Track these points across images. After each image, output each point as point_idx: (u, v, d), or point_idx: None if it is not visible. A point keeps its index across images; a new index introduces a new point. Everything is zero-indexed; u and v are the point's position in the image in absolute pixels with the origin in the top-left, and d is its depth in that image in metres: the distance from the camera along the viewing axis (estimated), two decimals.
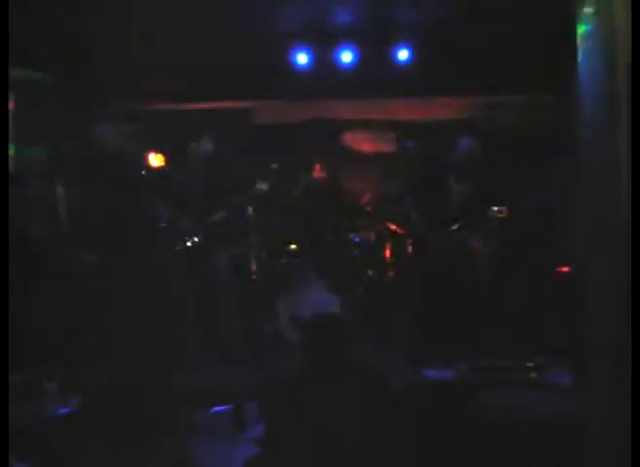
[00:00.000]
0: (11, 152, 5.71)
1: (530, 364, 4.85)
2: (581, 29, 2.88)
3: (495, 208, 5.76)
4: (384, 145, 7.91)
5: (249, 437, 4.22)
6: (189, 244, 6.03)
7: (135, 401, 4.40)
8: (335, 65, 6.91)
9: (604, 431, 2.77)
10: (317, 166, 7.16)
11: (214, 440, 4.35)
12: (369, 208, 6.90)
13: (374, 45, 6.75)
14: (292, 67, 6.89)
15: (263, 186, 6.58)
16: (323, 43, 6.70)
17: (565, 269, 5.79)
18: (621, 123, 2.56)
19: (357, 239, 6.57)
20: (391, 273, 6.33)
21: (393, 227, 6.50)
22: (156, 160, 6.76)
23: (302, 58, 6.86)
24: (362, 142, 7.94)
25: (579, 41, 2.89)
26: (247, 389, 4.69)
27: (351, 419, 3.38)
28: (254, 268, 6.26)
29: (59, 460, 3.86)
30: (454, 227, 5.96)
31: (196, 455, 4.15)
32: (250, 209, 6.40)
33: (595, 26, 2.75)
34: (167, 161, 6.73)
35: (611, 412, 2.69)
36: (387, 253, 6.37)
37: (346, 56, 6.85)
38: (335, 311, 5.75)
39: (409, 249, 6.25)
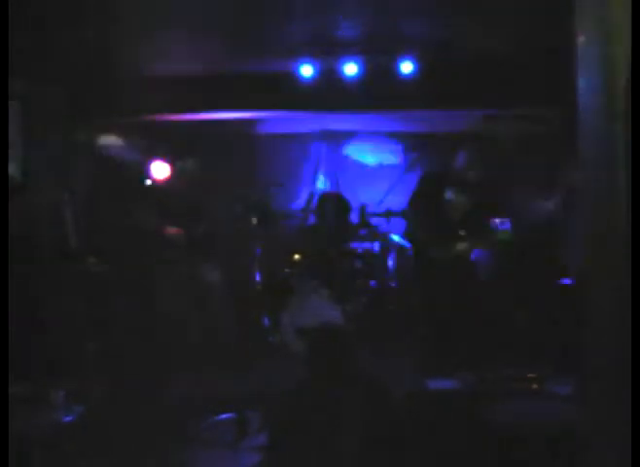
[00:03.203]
0: (16, 161, 5.75)
1: (533, 374, 4.85)
2: (580, 43, 2.91)
3: (497, 219, 5.78)
4: (388, 157, 7.94)
5: (251, 446, 4.24)
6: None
7: (138, 410, 4.42)
8: (339, 77, 6.94)
9: (606, 441, 2.78)
10: (321, 178, 7.20)
11: (216, 449, 4.36)
12: (372, 219, 6.92)
13: (379, 57, 6.78)
14: (296, 79, 6.92)
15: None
16: (328, 55, 6.73)
17: (567, 280, 5.80)
18: (620, 135, 2.58)
19: (360, 250, 6.59)
20: (394, 284, 6.35)
21: (396, 238, 6.52)
22: (159, 170, 6.80)
23: (307, 70, 6.89)
24: (365, 154, 7.97)
25: (578, 54, 2.92)
26: (250, 398, 4.71)
27: (353, 429, 3.38)
28: (257, 277, 6.29)
29: None
30: (456, 238, 5.98)
31: (198, 464, 4.17)
32: (254, 220, 6.43)
33: (595, 39, 2.78)
34: (171, 171, 6.77)
35: (612, 422, 2.70)
36: (390, 264, 6.39)
37: (351, 68, 6.87)
38: (337, 321, 5.77)
39: (412, 260, 6.28)
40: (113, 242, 6.01)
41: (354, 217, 6.98)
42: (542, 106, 6.67)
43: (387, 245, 6.51)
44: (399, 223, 6.55)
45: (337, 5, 5.55)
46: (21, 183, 5.62)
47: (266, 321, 6.28)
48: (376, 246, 6.61)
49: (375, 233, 6.72)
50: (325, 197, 7.03)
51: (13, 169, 5.50)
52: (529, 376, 4.85)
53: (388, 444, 3.42)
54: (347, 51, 6.63)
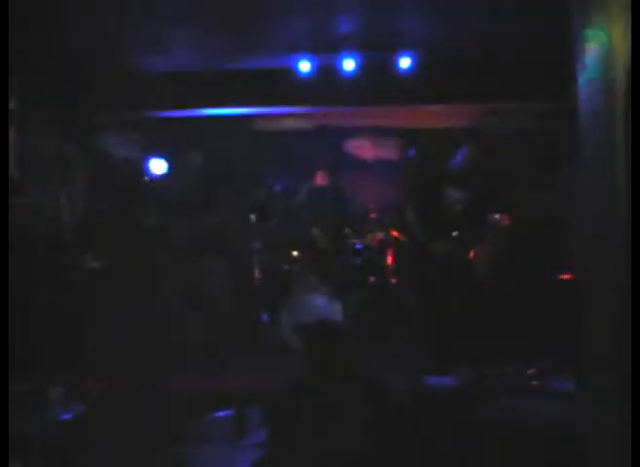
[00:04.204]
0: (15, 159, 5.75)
1: (532, 371, 4.86)
2: (581, 38, 2.91)
3: (496, 215, 5.78)
4: (386, 152, 7.93)
5: (250, 443, 4.23)
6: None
7: (137, 407, 4.42)
8: (337, 73, 6.93)
9: (605, 438, 2.78)
10: (319, 174, 7.18)
11: (215, 446, 4.35)
12: (371, 215, 6.92)
13: (377, 53, 6.76)
14: (294, 75, 6.91)
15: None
16: (326, 50, 6.71)
17: (567, 275, 5.80)
18: (620, 130, 2.58)
19: (359, 246, 6.59)
20: (393, 280, 6.34)
21: (395, 234, 6.52)
22: (158, 167, 6.80)
23: (305, 66, 6.88)
24: (364, 149, 7.96)
25: (579, 49, 2.92)
26: (249, 395, 4.70)
27: (352, 425, 3.38)
28: (256, 274, 6.29)
29: (62, 465, 3.88)
30: (455, 234, 5.98)
31: (197, 461, 4.16)
32: (253, 216, 6.43)
33: (595, 35, 2.78)
34: (170, 168, 6.76)
35: (612, 418, 2.70)
36: (389, 260, 6.39)
37: (349, 64, 6.86)
38: (336, 318, 5.77)
39: (411, 256, 6.28)
40: (112, 239, 6.00)
41: (353, 213, 6.97)
42: (541, 102, 6.66)
43: (386, 241, 6.50)
44: (397, 219, 6.53)
45: (334, 1, 5.55)
46: (20, 181, 5.61)
47: (266, 318, 6.28)
48: (375, 242, 6.61)
49: (374, 229, 6.71)
50: (324, 192, 7.02)
51: (11, 168, 5.50)
52: (529, 372, 4.86)
53: (387, 440, 3.42)
54: (345, 46, 6.62)
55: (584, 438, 2.98)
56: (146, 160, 6.71)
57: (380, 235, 6.59)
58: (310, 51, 6.74)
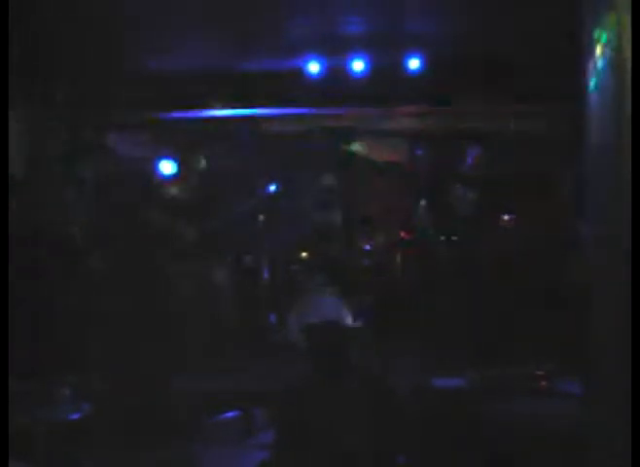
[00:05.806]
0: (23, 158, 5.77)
1: (539, 372, 4.84)
2: (588, 39, 2.91)
3: (505, 217, 5.77)
4: (395, 153, 7.91)
5: (256, 443, 4.23)
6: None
7: (143, 407, 4.43)
8: (346, 74, 6.93)
9: (610, 439, 2.77)
10: (328, 175, 7.19)
11: (222, 445, 4.36)
12: (380, 216, 6.91)
13: (386, 54, 6.76)
14: (304, 76, 6.91)
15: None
16: (335, 52, 6.72)
17: (572, 277, 5.78)
18: (626, 132, 2.58)
19: (367, 247, 6.59)
20: (400, 281, 6.34)
21: (403, 235, 6.51)
22: (167, 167, 6.82)
23: (314, 67, 6.88)
24: (373, 150, 7.94)
25: (588, 53, 2.92)
26: (255, 396, 4.71)
27: (358, 426, 3.38)
28: (264, 274, 6.31)
29: (69, 464, 3.90)
30: (464, 234, 5.98)
31: (204, 461, 4.17)
32: (261, 216, 6.45)
33: (604, 39, 2.78)
34: (179, 168, 6.78)
35: (617, 419, 2.69)
36: (397, 261, 6.38)
37: (358, 65, 6.87)
38: (343, 319, 5.76)
39: (419, 257, 6.27)
40: (119, 240, 6.03)
41: (361, 214, 6.97)
42: (550, 103, 6.63)
43: (395, 242, 6.50)
44: (406, 220, 6.54)
45: (344, 2, 5.55)
46: (25, 181, 5.64)
47: (273, 318, 6.29)
48: (384, 243, 6.61)
49: (383, 230, 6.71)
50: (332, 194, 7.02)
51: (17, 167, 5.52)
52: (537, 373, 4.85)
53: (391, 441, 3.42)
54: (354, 48, 6.62)
55: (589, 439, 2.97)
56: (154, 160, 6.73)
57: (388, 237, 6.59)
58: (319, 52, 6.75)
